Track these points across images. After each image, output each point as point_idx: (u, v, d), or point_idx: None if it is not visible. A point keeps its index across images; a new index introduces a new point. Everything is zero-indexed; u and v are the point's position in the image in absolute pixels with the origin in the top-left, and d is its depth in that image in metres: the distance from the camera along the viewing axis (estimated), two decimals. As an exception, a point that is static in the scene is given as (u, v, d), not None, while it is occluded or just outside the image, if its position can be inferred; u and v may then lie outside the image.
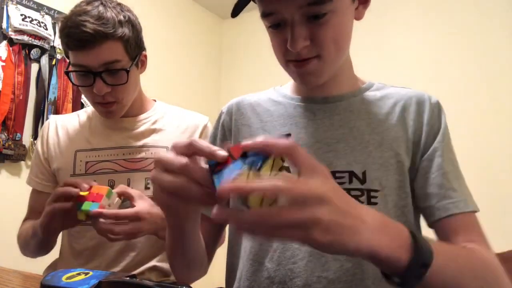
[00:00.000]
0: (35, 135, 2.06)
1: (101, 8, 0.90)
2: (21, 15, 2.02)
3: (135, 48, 0.96)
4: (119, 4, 0.97)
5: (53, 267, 1.07)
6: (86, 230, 0.99)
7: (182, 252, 0.63)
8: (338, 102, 0.71)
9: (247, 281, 0.67)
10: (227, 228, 0.79)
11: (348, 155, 0.66)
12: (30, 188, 1.09)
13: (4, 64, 1.94)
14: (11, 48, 1.98)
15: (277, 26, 0.62)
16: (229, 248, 0.76)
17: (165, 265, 1.02)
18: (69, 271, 0.65)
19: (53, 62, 2.16)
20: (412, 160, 0.67)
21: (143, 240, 0.99)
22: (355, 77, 0.75)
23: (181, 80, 3.04)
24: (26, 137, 2.05)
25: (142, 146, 1.03)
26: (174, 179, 0.43)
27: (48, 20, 2.15)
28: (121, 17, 0.92)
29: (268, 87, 0.82)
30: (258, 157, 0.40)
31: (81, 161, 1.03)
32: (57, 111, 2.13)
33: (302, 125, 0.71)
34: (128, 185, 1.00)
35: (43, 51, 2.12)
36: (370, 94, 0.73)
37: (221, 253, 0.79)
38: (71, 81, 0.99)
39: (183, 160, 0.43)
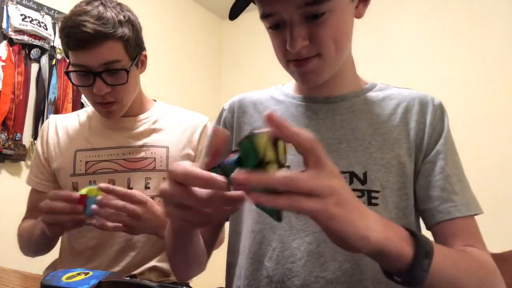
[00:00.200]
0: (35, 135, 2.06)
1: (101, 8, 0.90)
2: (21, 15, 2.02)
3: (135, 48, 0.96)
4: (119, 4, 0.97)
5: (53, 267, 1.07)
6: (86, 230, 0.99)
7: (183, 252, 0.64)
8: (341, 102, 0.71)
9: (246, 279, 0.67)
10: (227, 228, 0.79)
11: (349, 156, 0.66)
12: (30, 188, 1.09)
13: (4, 64, 1.94)
14: (11, 48, 1.98)
15: (276, 27, 0.62)
16: (229, 247, 0.76)
17: (165, 265, 1.02)
18: (69, 271, 0.65)
19: (53, 62, 2.16)
20: (415, 162, 0.67)
21: (143, 240, 0.99)
22: (357, 77, 0.75)
23: (181, 80, 3.04)
24: (26, 137, 2.05)
25: (142, 146, 1.03)
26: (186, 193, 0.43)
27: (48, 20, 2.15)
28: (121, 17, 0.92)
29: (268, 87, 0.82)
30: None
31: (81, 160, 1.03)
32: (57, 111, 2.13)
33: (303, 125, 0.71)
34: (128, 185, 1.00)
35: (43, 51, 2.12)
36: (372, 94, 0.72)
37: (221, 253, 0.79)
38: (71, 81, 0.99)
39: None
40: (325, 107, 0.71)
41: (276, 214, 0.43)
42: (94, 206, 0.81)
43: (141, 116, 1.08)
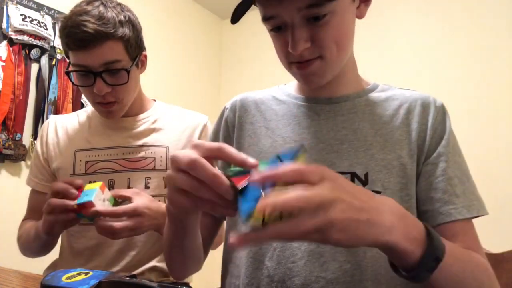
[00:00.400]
0: (35, 135, 2.06)
1: (101, 8, 0.90)
2: (21, 15, 2.02)
3: (135, 48, 0.96)
4: (119, 4, 0.97)
5: (53, 267, 1.07)
6: (86, 230, 0.99)
7: (180, 247, 0.63)
8: (342, 102, 0.71)
9: (247, 278, 0.67)
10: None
11: (351, 157, 0.66)
12: (30, 188, 1.09)
13: (4, 64, 1.94)
14: (11, 48, 1.98)
15: (278, 29, 0.62)
16: (225, 246, 0.76)
17: (165, 265, 1.02)
18: (69, 271, 0.65)
19: (53, 62, 2.16)
20: (416, 163, 0.67)
21: (143, 239, 0.99)
22: (359, 77, 0.75)
23: (181, 80, 3.04)
24: (26, 137, 2.05)
25: (142, 146, 1.03)
26: (188, 179, 0.44)
27: (48, 20, 2.15)
28: (122, 17, 0.93)
29: (268, 87, 0.82)
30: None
31: (80, 160, 1.03)
32: (57, 111, 2.13)
33: (305, 125, 0.71)
34: (128, 185, 1.00)
35: (43, 51, 2.12)
36: (374, 95, 0.72)
37: (221, 253, 0.79)
38: (71, 81, 0.99)
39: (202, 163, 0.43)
40: (327, 108, 0.71)
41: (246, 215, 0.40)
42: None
43: (141, 116, 1.08)
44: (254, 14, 0.69)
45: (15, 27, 1.98)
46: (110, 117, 1.01)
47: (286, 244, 0.65)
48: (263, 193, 0.40)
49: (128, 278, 0.62)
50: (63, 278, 0.62)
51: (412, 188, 0.66)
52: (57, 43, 2.15)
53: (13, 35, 1.98)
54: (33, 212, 1.06)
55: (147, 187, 1.01)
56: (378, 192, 0.64)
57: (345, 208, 0.39)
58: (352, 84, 0.73)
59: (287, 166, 0.38)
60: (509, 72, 2.23)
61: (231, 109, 0.79)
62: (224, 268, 0.76)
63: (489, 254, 0.93)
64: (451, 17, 2.44)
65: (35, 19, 2.08)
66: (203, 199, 0.45)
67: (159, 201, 0.92)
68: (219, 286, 0.76)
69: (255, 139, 0.74)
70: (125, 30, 0.92)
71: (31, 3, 2.10)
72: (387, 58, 2.60)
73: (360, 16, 0.67)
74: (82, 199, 0.79)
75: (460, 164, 0.67)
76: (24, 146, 2.02)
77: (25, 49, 2.05)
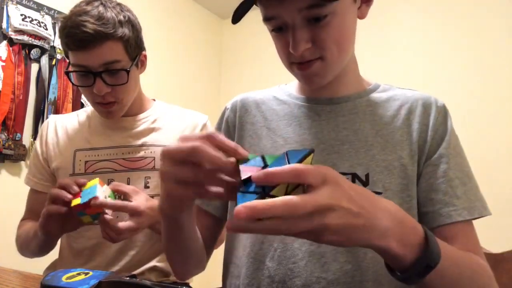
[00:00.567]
0: (35, 135, 2.06)
1: (101, 8, 0.90)
2: (21, 15, 2.02)
3: (135, 48, 0.96)
4: (119, 4, 0.97)
5: (53, 267, 1.07)
6: (85, 229, 0.99)
7: (177, 246, 0.63)
8: (343, 103, 0.71)
9: (247, 278, 0.67)
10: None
11: (352, 157, 0.66)
12: (29, 188, 1.09)
13: (4, 64, 1.94)
14: (11, 48, 1.98)
15: (279, 29, 0.62)
16: (227, 246, 0.76)
17: (165, 265, 1.02)
18: (69, 271, 0.65)
19: (53, 62, 2.16)
20: (417, 164, 0.66)
21: (142, 239, 0.99)
22: (360, 78, 0.75)
23: (181, 80, 3.04)
24: (26, 137, 2.05)
25: (142, 145, 1.03)
26: (191, 168, 0.44)
27: (48, 20, 2.15)
28: (121, 17, 0.93)
29: (268, 87, 0.82)
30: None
31: (80, 160, 1.03)
32: (57, 111, 2.13)
33: (306, 126, 0.71)
34: (128, 184, 1.00)
35: (43, 51, 2.12)
36: (375, 96, 0.72)
37: (222, 254, 0.79)
38: (71, 81, 0.99)
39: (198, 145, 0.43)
40: (327, 108, 0.71)
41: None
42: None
43: (141, 116, 1.08)
44: (254, 14, 0.69)
45: (15, 27, 1.98)
46: (109, 117, 1.01)
47: (287, 244, 0.65)
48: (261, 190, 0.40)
49: (128, 278, 0.62)
50: (63, 278, 0.62)
51: (413, 189, 0.66)
52: (57, 43, 2.15)
53: (13, 35, 1.98)
54: (32, 212, 1.06)
55: (146, 187, 1.01)
56: (379, 193, 0.64)
57: (341, 215, 0.38)
58: (353, 84, 0.73)
59: (287, 166, 0.38)
60: (510, 72, 2.23)
61: (232, 109, 0.79)
62: (225, 268, 0.76)
63: (489, 254, 0.93)
64: (451, 17, 2.43)
65: (35, 19, 2.08)
66: (205, 188, 0.45)
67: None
68: (220, 286, 0.76)
69: (256, 139, 0.74)
70: (125, 30, 0.92)
71: (31, 3, 2.10)
72: (387, 58, 2.60)
73: (362, 16, 0.67)
74: (86, 197, 0.79)
75: (462, 165, 0.66)
76: (24, 146, 2.02)
77: (25, 49, 2.05)
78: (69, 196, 0.80)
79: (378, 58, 2.56)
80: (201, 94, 3.20)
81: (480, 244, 0.65)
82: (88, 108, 1.13)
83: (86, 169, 1.02)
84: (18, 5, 2.03)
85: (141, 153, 1.03)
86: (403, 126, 0.68)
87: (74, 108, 2.19)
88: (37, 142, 1.10)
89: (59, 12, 2.17)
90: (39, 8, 2.13)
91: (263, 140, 0.73)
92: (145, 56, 1.04)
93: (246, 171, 0.42)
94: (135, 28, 0.96)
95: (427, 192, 0.65)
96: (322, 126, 0.70)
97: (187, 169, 0.44)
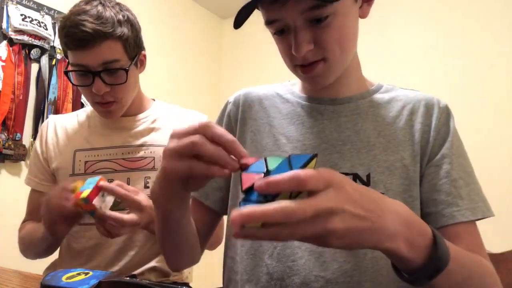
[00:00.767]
0: (35, 135, 2.06)
1: (100, 7, 0.90)
2: (21, 15, 2.02)
3: (134, 47, 0.96)
4: (118, 3, 0.97)
5: (53, 267, 1.07)
6: (85, 230, 0.99)
7: (169, 236, 0.62)
8: (346, 103, 0.71)
9: (246, 275, 0.68)
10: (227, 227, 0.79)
11: (353, 158, 0.66)
12: (30, 189, 1.09)
13: (4, 64, 1.94)
14: (11, 48, 1.98)
15: (281, 32, 0.62)
16: (227, 241, 0.76)
17: (165, 266, 1.02)
18: (69, 271, 0.65)
19: (53, 62, 2.16)
20: (420, 165, 0.66)
21: (142, 239, 0.99)
22: (363, 78, 0.75)
23: (181, 80, 3.04)
24: (26, 137, 2.05)
25: (141, 145, 1.03)
26: (206, 142, 0.44)
27: (48, 20, 2.15)
28: (120, 17, 0.92)
29: (268, 87, 0.82)
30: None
31: (80, 160, 1.03)
32: (57, 111, 2.13)
33: (308, 125, 0.71)
34: (128, 184, 1.00)
35: (43, 51, 2.12)
36: (378, 96, 0.72)
37: (222, 254, 0.79)
38: (70, 81, 0.99)
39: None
40: (330, 108, 0.71)
41: None
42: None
43: (140, 116, 1.08)
44: (254, 14, 0.69)
45: (15, 27, 1.98)
46: (109, 117, 1.01)
47: (287, 243, 0.65)
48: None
49: (128, 278, 0.62)
50: (63, 278, 0.62)
51: (416, 190, 0.65)
52: (57, 43, 2.15)
53: (13, 35, 1.98)
54: (34, 213, 1.06)
55: (146, 187, 1.01)
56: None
57: (345, 218, 0.37)
58: (355, 85, 0.73)
59: (288, 174, 0.37)
60: (510, 72, 2.22)
61: (234, 104, 0.79)
62: (225, 264, 0.76)
63: (489, 254, 0.93)
64: (455, 18, 2.43)
65: (35, 19, 2.08)
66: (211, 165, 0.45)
67: None
68: (220, 286, 0.76)
69: (258, 136, 0.74)
70: (124, 30, 0.92)
71: (31, 3, 2.10)
72: (388, 58, 2.59)
73: (363, 16, 0.67)
74: (90, 185, 0.79)
75: (465, 166, 0.66)
76: (24, 146, 2.02)
77: (25, 49, 2.05)
78: (70, 186, 0.80)
79: (378, 58, 2.56)
80: (201, 94, 3.20)
81: (483, 245, 0.64)
82: (88, 108, 1.12)
83: (86, 169, 1.02)
84: (18, 5, 2.03)
85: (141, 153, 1.03)
86: (405, 127, 0.68)
87: (74, 108, 2.19)
88: (37, 142, 1.10)
89: (59, 12, 2.18)
90: (39, 8, 2.13)
91: (265, 137, 0.73)
92: (144, 56, 1.04)
93: (247, 178, 0.41)
94: (134, 28, 0.96)
95: (430, 192, 0.65)
96: (325, 126, 0.70)
97: (202, 141, 0.44)
